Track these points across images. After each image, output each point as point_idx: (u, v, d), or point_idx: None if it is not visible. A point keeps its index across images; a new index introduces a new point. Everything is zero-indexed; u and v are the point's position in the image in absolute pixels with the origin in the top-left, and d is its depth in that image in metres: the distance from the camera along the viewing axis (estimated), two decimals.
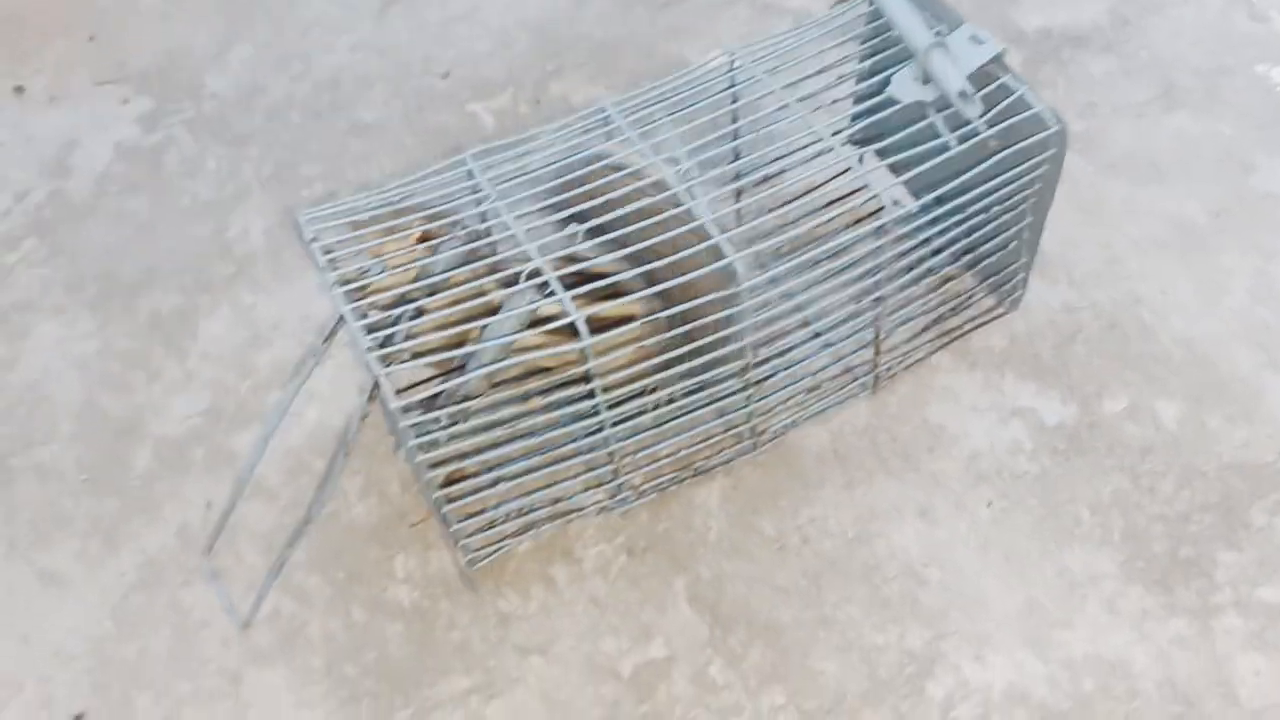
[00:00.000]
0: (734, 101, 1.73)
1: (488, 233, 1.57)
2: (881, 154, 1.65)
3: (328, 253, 1.53)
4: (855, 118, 1.62)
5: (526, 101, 2.38)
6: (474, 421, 1.54)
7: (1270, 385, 1.75)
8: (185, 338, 2.01)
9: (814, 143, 1.61)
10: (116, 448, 1.85)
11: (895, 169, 1.61)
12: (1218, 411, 1.74)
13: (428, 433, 1.45)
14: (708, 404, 1.68)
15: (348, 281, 1.48)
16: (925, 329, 1.82)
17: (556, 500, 1.66)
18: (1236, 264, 1.91)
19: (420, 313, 1.50)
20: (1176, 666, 1.49)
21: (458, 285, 1.50)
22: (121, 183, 2.32)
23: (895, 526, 1.65)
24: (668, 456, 1.70)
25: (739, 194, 1.82)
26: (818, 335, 1.79)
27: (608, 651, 1.56)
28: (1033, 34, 2.36)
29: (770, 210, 1.65)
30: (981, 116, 1.55)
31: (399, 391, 1.39)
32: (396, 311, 1.50)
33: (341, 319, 1.47)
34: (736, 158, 1.75)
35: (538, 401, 1.67)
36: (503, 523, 1.63)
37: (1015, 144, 1.56)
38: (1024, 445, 1.73)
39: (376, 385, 1.41)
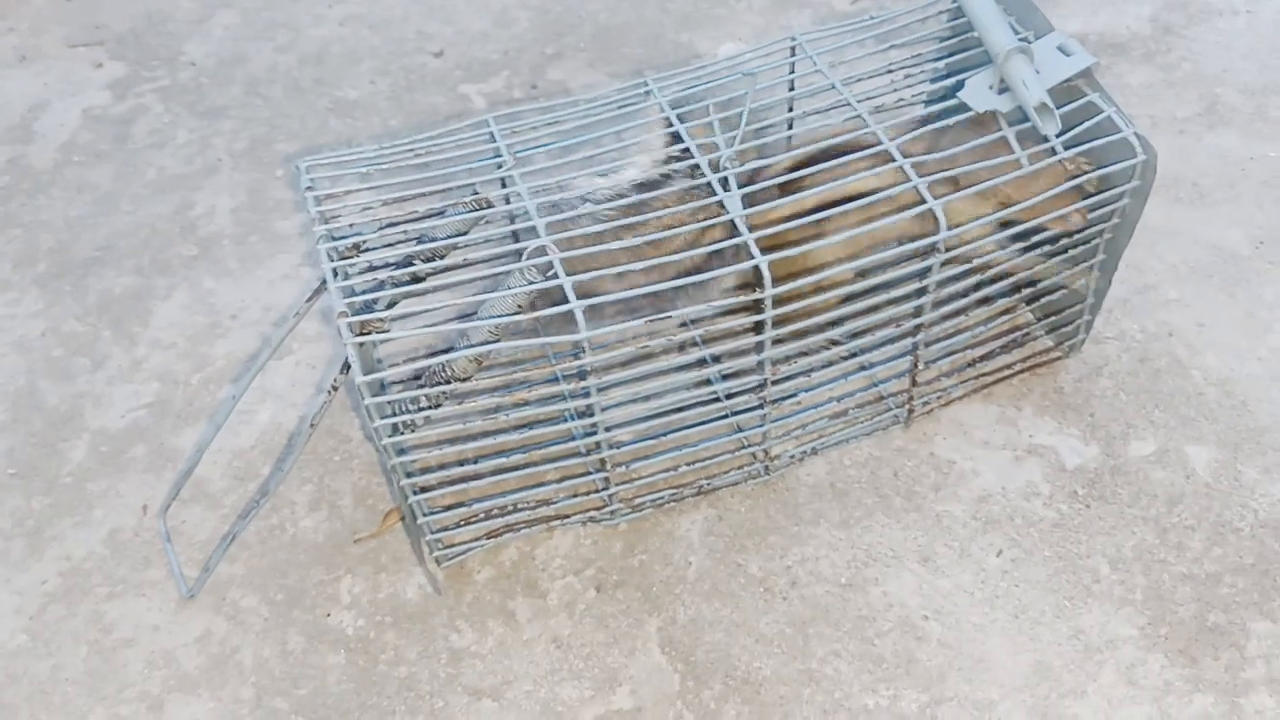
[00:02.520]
0: (791, 89, 1.57)
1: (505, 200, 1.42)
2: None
3: (320, 204, 1.38)
4: (924, 121, 1.47)
5: (522, 86, 2.23)
6: (455, 408, 1.39)
7: None
8: (136, 323, 1.86)
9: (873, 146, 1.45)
10: (51, 440, 1.70)
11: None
12: (1254, 461, 1.57)
13: (405, 413, 1.30)
14: (716, 418, 1.53)
15: (339, 246, 1.33)
16: (971, 364, 1.66)
17: (539, 503, 1.51)
18: None
19: (415, 280, 1.35)
20: None
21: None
22: (86, 152, 2.17)
23: (893, 573, 1.49)
24: (665, 471, 1.54)
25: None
26: (854, 355, 1.63)
27: (567, 699, 1.40)
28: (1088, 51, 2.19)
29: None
30: (1060, 135, 1.39)
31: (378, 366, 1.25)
32: (381, 277, 1.35)
33: (331, 278, 1.30)
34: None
35: (524, 394, 1.53)
36: (479, 520, 1.48)
37: (1095, 170, 1.40)
38: (1040, 488, 1.57)
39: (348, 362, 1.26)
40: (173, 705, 1.42)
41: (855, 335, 1.55)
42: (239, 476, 1.64)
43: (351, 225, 1.35)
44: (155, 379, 1.78)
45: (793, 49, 1.56)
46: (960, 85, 1.44)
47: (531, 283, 1.28)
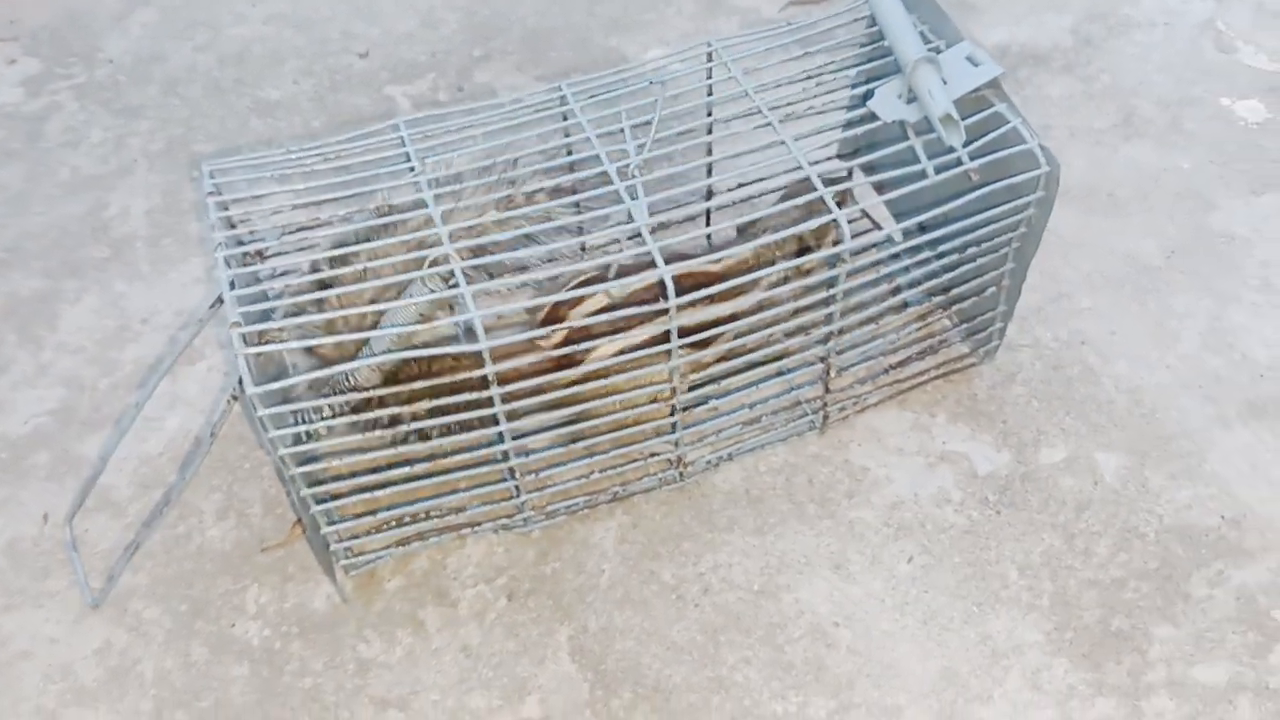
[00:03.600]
0: (709, 95, 1.55)
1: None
2: (866, 171, 1.50)
3: (225, 209, 1.36)
4: (847, 126, 1.46)
5: (448, 88, 2.21)
6: (353, 419, 1.37)
7: (1218, 442, 1.62)
8: (43, 326, 1.81)
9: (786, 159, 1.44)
10: None
11: (880, 190, 1.45)
12: (1161, 468, 1.60)
13: (307, 423, 1.29)
14: (623, 428, 1.52)
15: (241, 253, 1.31)
16: (888, 370, 1.66)
17: (450, 510, 1.49)
18: (1190, 308, 1.78)
19: (324, 286, 1.33)
20: None
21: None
22: None
23: (806, 580, 1.50)
24: (577, 478, 1.53)
25: (709, 214, 1.68)
26: (768, 362, 1.63)
27: (475, 708, 1.39)
28: (991, 50, 2.22)
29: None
30: (965, 146, 1.39)
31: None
32: (277, 286, 1.32)
33: (228, 287, 1.28)
34: (709, 173, 1.58)
35: (422, 407, 1.50)
36: (389, 528, 1.47)
37: (1001, 180, 1.41)
38: (951, 495, 1.58)
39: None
40: (69, 719, 1.39)
41: (770, 342, 1.54)
42: (145, 485, 1.61)
43: (253, 232, 1.32)
44: (61, 384, 1.73)
45: (709, 55, 1.56)
46: (871, 94, 1.45)
47: (433, 292, 1.27)
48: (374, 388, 1.34)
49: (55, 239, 1.95)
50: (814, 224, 1.36)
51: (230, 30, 2.35)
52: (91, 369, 1.75)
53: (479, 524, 1.52)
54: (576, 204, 1.42)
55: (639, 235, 1.30)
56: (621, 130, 1.44)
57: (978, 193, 1.40)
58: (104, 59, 2.29)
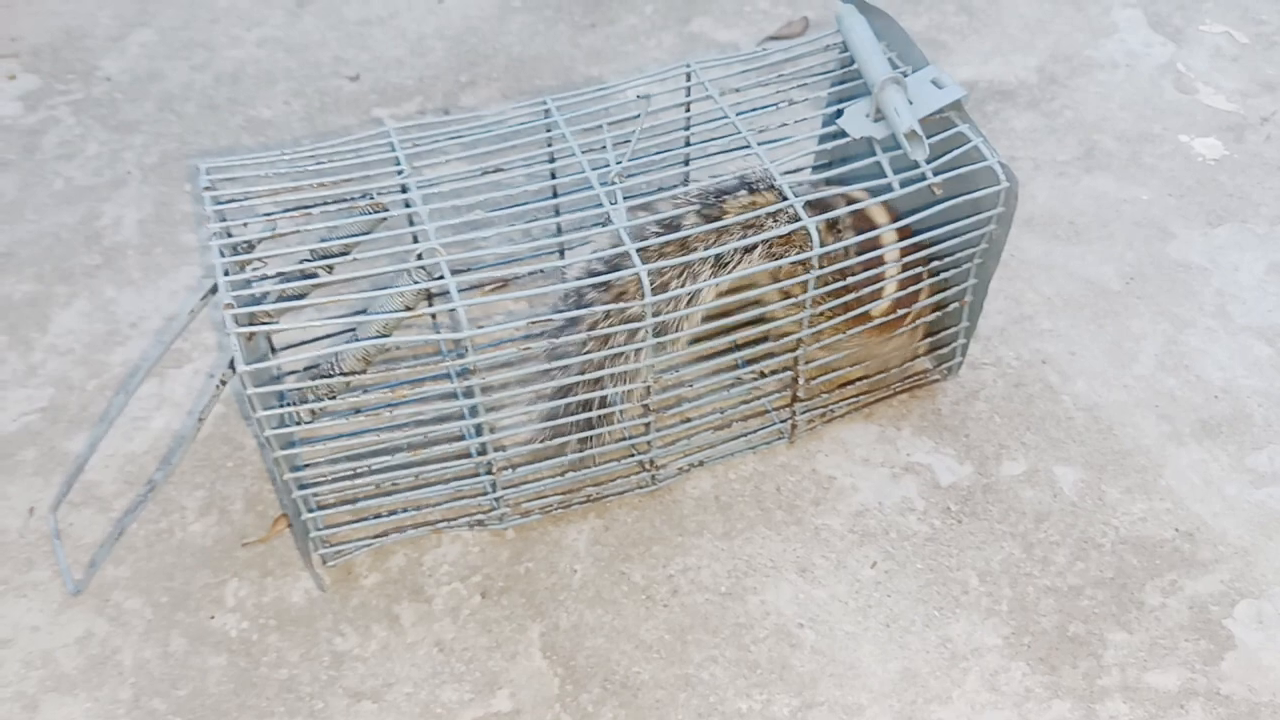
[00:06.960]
0: (687, 112, 1.62)
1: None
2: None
3: (219, 204, 1.42)
4: (821, 140, 1.54)
5: (435, 111, 2.27)
6: (340, 402, 1.42)
7: (1172, 458, 1.68)
8: (33, 328, 1.85)
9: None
10: None
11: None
12: (1118, 482, 1.66)
13: (290, 405, 1.34)
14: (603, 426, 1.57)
15: (233, 243, 1.37)
16: (852, 382, 1.71)
17: (427, 505, 1.53)
18: (1147, 331, 1.85)
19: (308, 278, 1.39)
20: None
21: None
22: None
23: (772, 583, 1.54)
24: (554, 477, 1.58)
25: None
26: (737, 367, 1.69)
27: (447, 701, 1.42)
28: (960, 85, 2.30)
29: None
30: (929, 162, 1.46)
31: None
32: (265, 282, 1.37)
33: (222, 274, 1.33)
34: (686, 181, 1.65)
35: (406, 391, 1.55)
36: (366, 520, 1.52)
37: (962, 196, 1.47)
38: (915, 504, 1.63)
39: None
40: (48, 705, 1.41)
41: (739, 346, 1.60)
42: (130, 481, 1.64)
43: (246, 224, 1.38)
44: (50, 384, 1.77)
45: (688, 75, 1.63)
46: (840, 113, 1.52)
47: (417, 282, 1.32)
48: (358, 374, 1.39)
49: (47, 246, 1.99)
50: (790, 228, 1.42)
51: (226, 52, 2.41)
52: (80, 370, 1.79)
53: (455, 519, 1.56)
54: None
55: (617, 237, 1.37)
56: (603, 145, 1.50)
57: (940, 207, 1.47)
58: (102, 77, 2.35)
